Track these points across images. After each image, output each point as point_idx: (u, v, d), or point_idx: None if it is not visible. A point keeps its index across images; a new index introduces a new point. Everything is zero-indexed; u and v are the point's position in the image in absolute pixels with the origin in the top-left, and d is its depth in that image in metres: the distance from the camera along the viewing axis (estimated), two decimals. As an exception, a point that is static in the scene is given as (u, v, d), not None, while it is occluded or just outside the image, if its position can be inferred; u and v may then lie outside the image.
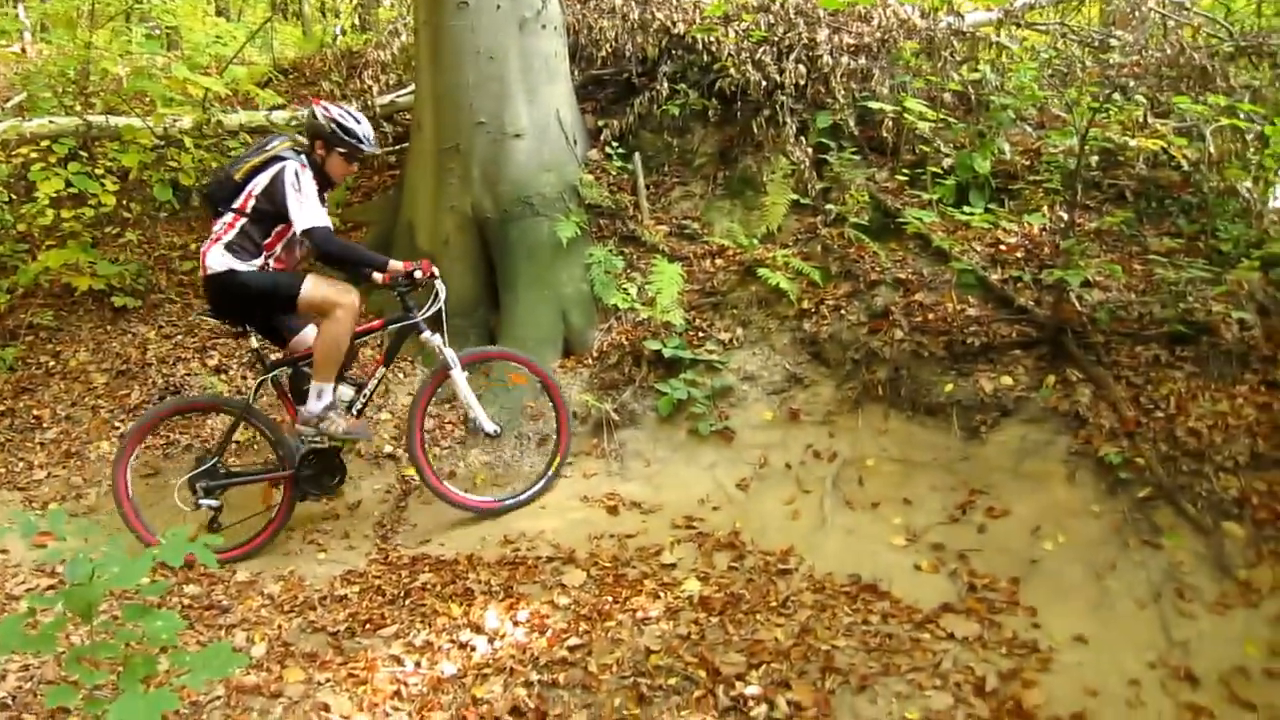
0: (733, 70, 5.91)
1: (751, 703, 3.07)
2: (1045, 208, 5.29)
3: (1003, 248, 5.04)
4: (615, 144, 6.06)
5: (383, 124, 7.16)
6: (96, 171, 6.77)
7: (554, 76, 5.79)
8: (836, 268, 5.17)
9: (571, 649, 3.42)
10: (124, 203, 7.10)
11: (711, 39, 6.09)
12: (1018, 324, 4.63)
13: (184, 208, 7.33)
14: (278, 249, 4.36)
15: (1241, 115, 5.25)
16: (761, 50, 5.96)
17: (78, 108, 7.44)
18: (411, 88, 6.64)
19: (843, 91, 5.78)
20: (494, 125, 5.53)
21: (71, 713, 2.96)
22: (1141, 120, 5.61)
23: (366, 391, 4.61)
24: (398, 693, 3.27)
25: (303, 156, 4.37)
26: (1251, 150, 5.41)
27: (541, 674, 3.29)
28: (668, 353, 4.96)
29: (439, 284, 4.53)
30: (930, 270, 5.02)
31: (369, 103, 6.95)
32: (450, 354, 4.52)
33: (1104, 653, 3.41)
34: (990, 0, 6.94)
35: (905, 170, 5.57)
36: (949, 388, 4.53)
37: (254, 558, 4.50)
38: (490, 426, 4.60)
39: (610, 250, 5.58)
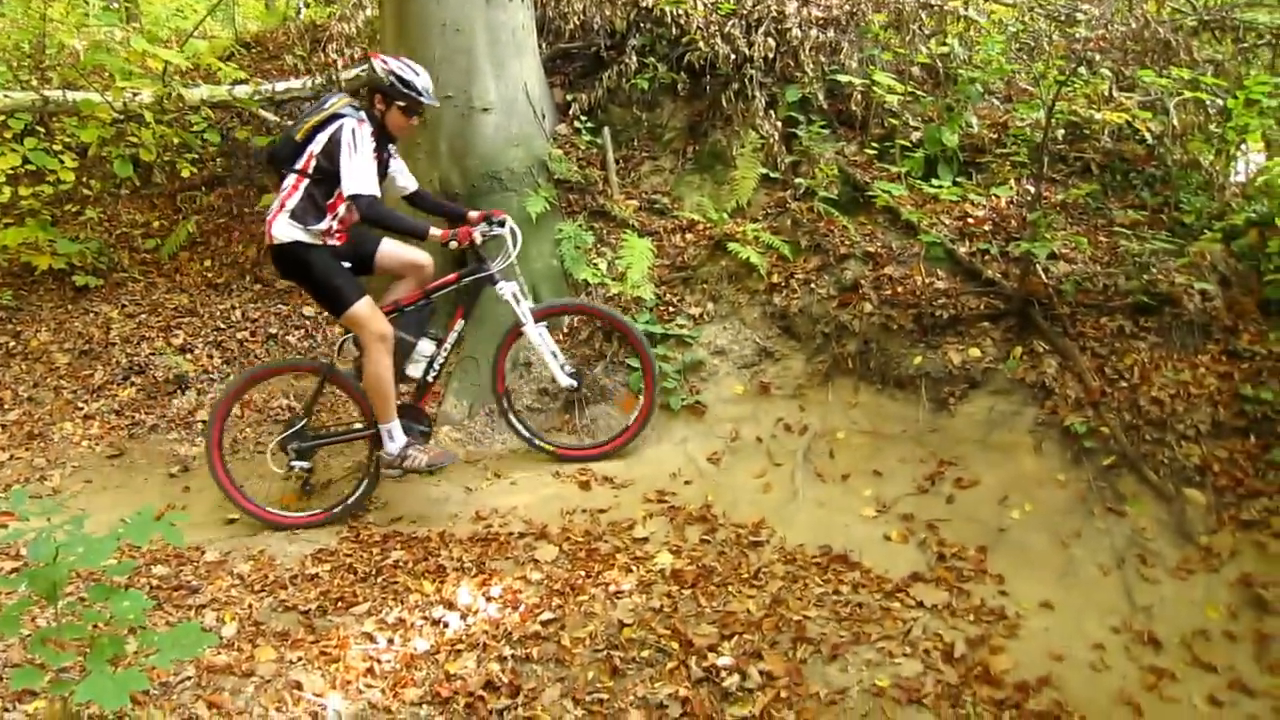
0: (701, 43, 5.87)
1: (724, 673, 3.10)
2: (1012, 181, 5.33)
3: (970, 221, 5.07)
4: (584, 118, 6.01)
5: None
6: (54, 147, 6.62)
7: (521, 50, 5.73)
8: (806, 241, 5.18)
9: (544, 623, 3.43)
10: (84, 179, 6.96)
11: (680, 12, 6.04)
12: (985, 296, 4.67)
13: (145, 184, 7.20)
14: (341, 209, 4.30)
15: (1204, 89, 5.30)
16: (730, 23, 5.93)
17: (34, 82, 7.26)
18: (377, 61, 6.54)
19: (811, 65, 5.77)
20: (461, 99, 5.47)
21: (38, 695, 2.93)
22: (1107, 94, 5.65)
23: (447, 345, 4.60)
24: (370, 670, 3.26)
25: (361, 113, 4.28)
26: (1214, 124, 5.47)
27: (515, 649, 3.30)
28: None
29: (510, 233, 4.51)
30: (899, 243, 5.04)
31: (333, 77, 6.84)
32: (525, 309, 4.54)
33: (1069, 618, 3.47)
34: (958, -27, 6.92)
35: (874, 144, 5.58)
36: (918, 360, 4.57)
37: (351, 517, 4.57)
38: (566, 380, 4.63)
39: (580, 225, 5.55)
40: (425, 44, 5.43)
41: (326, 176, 4.20)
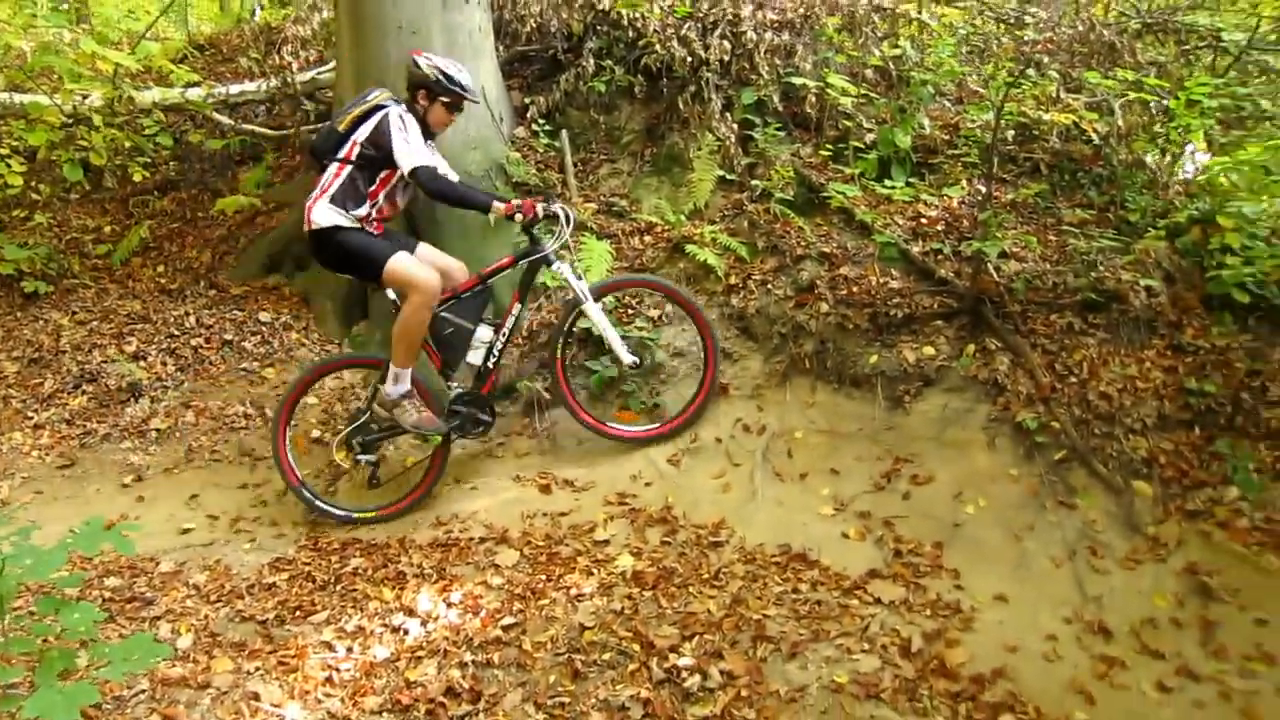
0: (658, 47, 5.89)
1: (685, 674, 3.12)
2: (964, 181, 5.41)
3: (923, 221, 5.14)
4: (542, 121, 6.01)
5: (304, 101, 7.00)
6: (1, 152, 6.49)
7: (479, 52, 5.71)
8: (763, 243, 5.22)
9: (506, 628, 3.43)
10: (32, 184, 6.84)
11: (636, 15, 6.05)
12: (939, 295, 4.74)
13: (96, 189, 7.08)
14: (380, 198, 4.37)
15: (1147, 90, 5.42)
16: (686, 26, 5.95)
17: (-22, 85, 7.12)
18: (333, 64, 6.49)
19: (767, 68, 5.81)
20: (417, 102, 5.44)
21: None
22: (1055, 95, 5.76)
23: (506, 330, 4.56)
24: (329, 679, 3.24)
25: (404, 105, 4.40)
26: (1157, 124, 5.59)
27: (476, 654, 3.29)
28: (598, 331, 4.96)
29: (562, 212, 4.45)
30: (854, 244, 5.09)
31: (288, 79, 6.78)
32: (582, 286, 4.51)
33: (1023, 610, 3.54)
34: (910, -24, 7.02)
35: (829, 145, 5.64)
36: (873, 359, 4.62)
37: (418, 509, 4.55)
38: (629, 357, 4.58)
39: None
40: (381, 46, 5.40)
41: (370, 162, 4.31)
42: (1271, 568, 3.61)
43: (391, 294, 4.43)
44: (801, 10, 6.13)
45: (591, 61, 6.06)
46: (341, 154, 4.35)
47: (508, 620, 3.47)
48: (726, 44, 5.84)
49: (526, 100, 6.12)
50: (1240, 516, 3.78)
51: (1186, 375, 4.22)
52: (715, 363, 4.63)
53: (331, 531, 4.46)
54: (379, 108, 4.36)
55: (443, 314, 4.50)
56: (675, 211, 5.52)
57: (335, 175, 4.33)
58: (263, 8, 11.52)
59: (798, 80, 5.69)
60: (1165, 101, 5.44)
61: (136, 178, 6.81)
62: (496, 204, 4.24)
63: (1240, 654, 3.31)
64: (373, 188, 4.35)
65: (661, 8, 6.13)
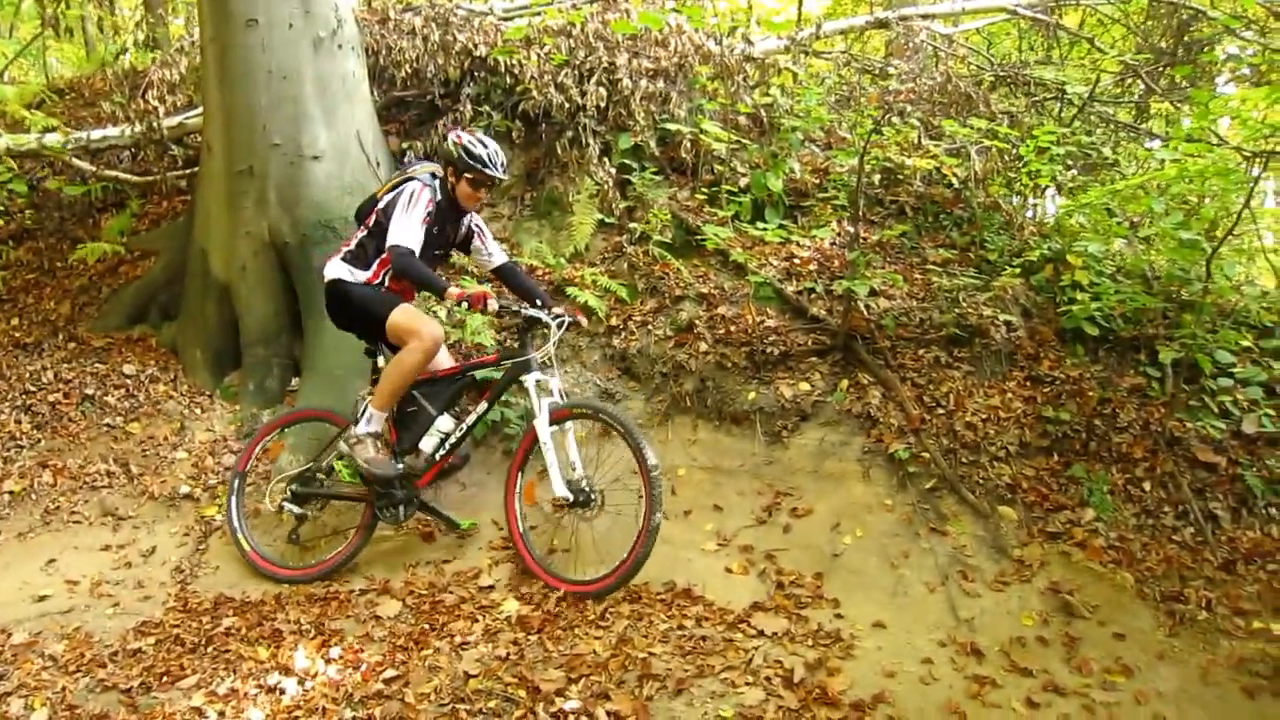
0: (536, 93, 5.96)
1: (571, 717, 3.08)
2: (834, 223, 5.64)
3: (796, 261, 5.31)
4: (420, 166, 5.98)
5: (171, 147, 6.78)
6: None
7: (353, 97, 5.67)
8: (643, 284, 5.31)
9: (388, 681, 3.33)
10: None
11: (514, 61, 6.12)
12: (813, 332, 4.89)
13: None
14: (387, 271, 4.28)
15: (1001, 138, 5.77)
16: (563, 73, 6.05)
17: None
18: (200, 109, 6.32)
19: (643, 114, 5.94)
20: (290, 147, 5.35)
21: None
22: (916, 142, 6.07)
23: (465, 425, 4.34)
24: (199, 745, 3.09)
25: (437, 181, 4.35)
26: (1011, 169, 5.95)
27: (356, 710, 3.19)
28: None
29: (552, 319, 4.20)
30: (730, 284, 5.23)
31: (154, 124, 6.56)
32: (544, 405, 4.13)
33: (900, 636, 3.65)
34: (779, 27, 7.31)
35: (704, 189, 5.79)
36: (752, 396, 4.73)
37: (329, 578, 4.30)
38: (561, 490, 4.01)
39: (416, 274, 5.49)
40: (251, 91, 5.30)
41: (380, 233, 4.26)
42: (1126, 584, 3.83)
43: (382, 360, 4.35)
44: (676, 59, 6.29)
45: (469, 107, 6.09)
46: (366, 219, 4.38)
47: (390, 673, 3.37)
48: (603, 90, 5.95)
49: (404, 145, 6.09)
50: (1096, 536, 4.01)
51: (1044, 404, 4.46)
52: (651, 504, 3.88)
53: (201, 591, 4.26)
54: (409, 180, 4.33)
55: (414, 391, 4.35)
56: (556, 255, 5.56)
57: (353, 237, 4.38)
58: (129, 51, 11.16)
59: (673, 126, 5.84)
60: (1017, 148, 5.80)
61: (-12, 227, 6.47)
62: (451, 290, 4.03)
63: (1101, 668, 3.48)
64: (381, 256, 4.25)
65: (539, 55, 6.21)
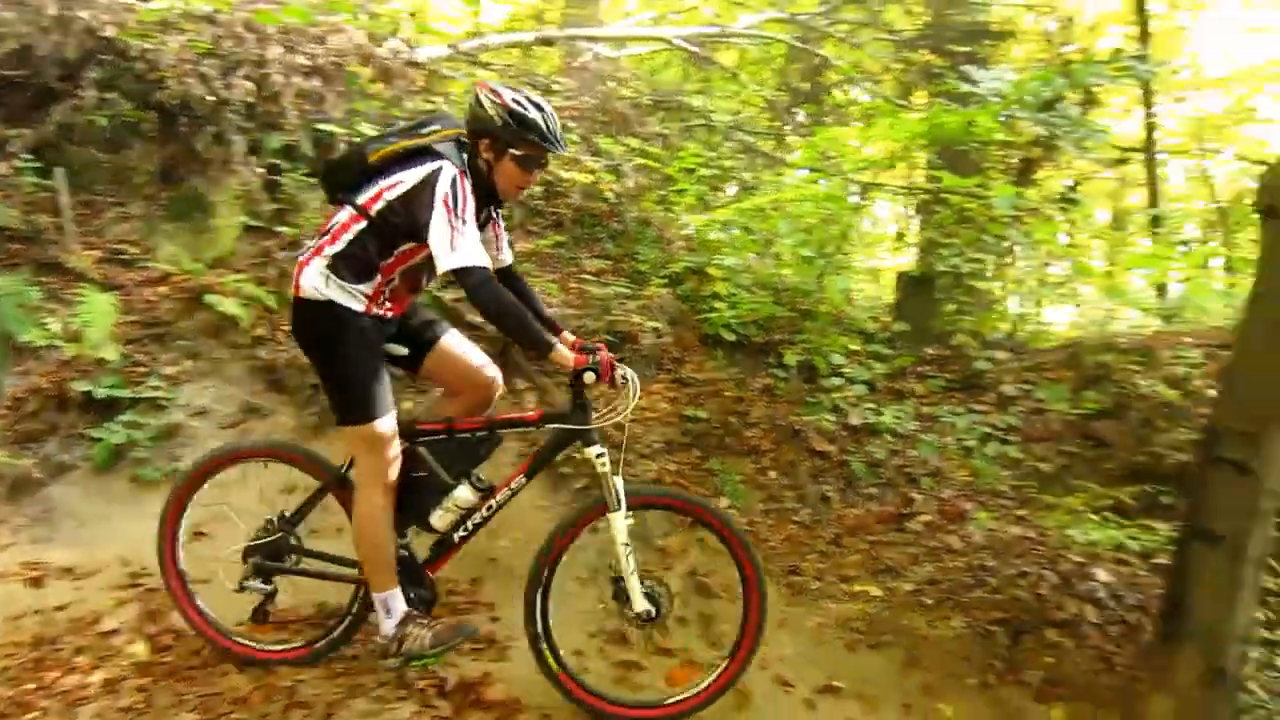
0: (173, 82, 5.48)
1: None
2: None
3: (458, 269, 5.30)
4: (30, 157, 5.27)
5: None
6: None
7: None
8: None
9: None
10: None
11: (149, 45, 5.59)
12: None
13: None
14: (396, 276, 3.13)
15: (652, 157, 6.15)
16: (205, 63, 5.61)
17: None
18: None
19: (295, 113, 5.66)
20: None
21: None
22: (577, 157, 6.29)
23: (494, 502, 3.31)
24: None
25: (465, 158, 3.08)
26: (661, 187, 6.35)
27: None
28: (101, 393, 4.40)
29: (631, 382, 3.21)
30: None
31: None
32: (620, 486, 3.23)
33: (556, 630, 3.71)
34: (443, 36, 7.30)
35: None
36: (406, 405, 4.63)
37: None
38: (643, 605, 3.26)
39: (23, 280, 4.81)
40: None
41: (391, 229, 3.04)
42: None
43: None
44: (333, 57, 6.06)
45: (93, 92, 5.47)
46: (361, 199, 3.07)
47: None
48: (251, 85, 5.59)
49: (10, 132, 5.35)
50: (730, 523, 4.35)
51: (686, 404, 4.78)
52: (758, 619, 3.35)
53: None
54: (431, 154, 3.03)
55: (420, 447, 3.30)
56: (195, 259, 5.12)
57: (344, 228, 3.06)
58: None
59: (327, 127, 5.62)
60: (666, 168, 6.21)
61: None
62: (562, 351, 3.05)
63: (731, 640, 3.74)
64: (388, 261, 3.09)
65: (179, 43, 5.71)
